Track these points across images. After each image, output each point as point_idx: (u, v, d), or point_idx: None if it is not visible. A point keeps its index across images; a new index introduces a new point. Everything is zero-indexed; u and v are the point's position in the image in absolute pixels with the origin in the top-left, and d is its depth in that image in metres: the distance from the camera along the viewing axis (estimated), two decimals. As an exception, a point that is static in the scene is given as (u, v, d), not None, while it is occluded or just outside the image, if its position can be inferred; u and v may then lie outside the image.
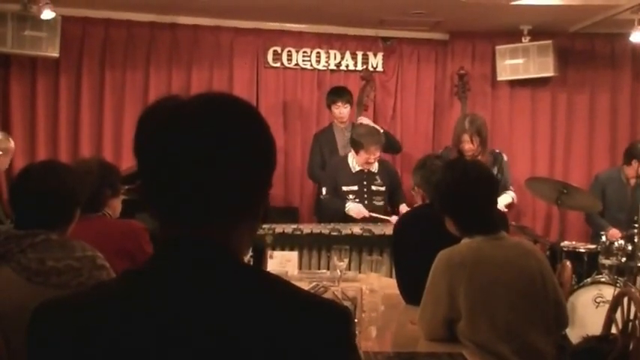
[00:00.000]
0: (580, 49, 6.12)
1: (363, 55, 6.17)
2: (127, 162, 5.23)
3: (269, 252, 3.71)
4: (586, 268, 4.78)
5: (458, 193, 2.54)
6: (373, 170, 4.90)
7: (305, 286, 2.95)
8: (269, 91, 6.11)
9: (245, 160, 1.06)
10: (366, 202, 4.85)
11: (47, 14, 5.05)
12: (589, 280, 4.58)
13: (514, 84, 6.14)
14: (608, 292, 4.21)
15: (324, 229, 4.49)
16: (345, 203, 4.83)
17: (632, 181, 5.15)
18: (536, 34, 5.85)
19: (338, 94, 5.44)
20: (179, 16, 5.87)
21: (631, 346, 2.84)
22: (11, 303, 2.06)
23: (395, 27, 6.03)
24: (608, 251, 4.59)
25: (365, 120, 5.40)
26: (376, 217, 4.75)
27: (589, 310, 4.41)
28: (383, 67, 6.19)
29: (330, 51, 6.14)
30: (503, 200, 4.97)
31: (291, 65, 6.12)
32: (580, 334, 3.69)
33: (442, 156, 3.64)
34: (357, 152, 4.82)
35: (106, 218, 2.98)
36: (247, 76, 6.06)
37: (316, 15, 5.78)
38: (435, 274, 2.49)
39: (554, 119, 6.18)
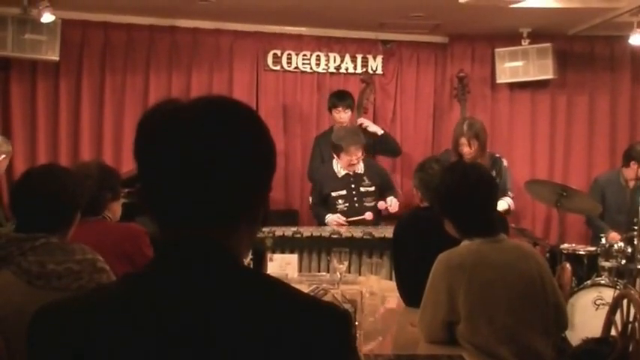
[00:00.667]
0: (579, 51, 6.13)
1: (362, 58, 6.18)
2: (127, 165, 5.24)
3: (269, 255, 3.71)
4: (586, 270, 4.78)
5: (457, 196, 2.54)
6: (359, 172, 4.88)
7: (305, 288, 2.95)
8: (269, 94, 6.12)
9: (245, 163, 1.06)
10: (356, 204, 4.85)
11: (47, 18, 5.06)
12: (589, 282, 4.58)
13: (513, 87, 6.14)
14: (608, 295, 4.21)
15: (324, 231, 4.50)
16: (327, 214, 4.82)
17: (632, 184, 5.15)
18: (535, 37, 5.86)
19: (339, 98, 5.44)
20: (179, 19, 5.88)
21: (630, 348, 2.84)
22: (11, 306, 2.06)
23: (394, 30, 6.04)
24: (608, 253, 4.59)
25: (365, 122, 5.41)
26: (353, 220, 4.74)
27: (589, 313, 4.40)
28: (382, 70, 6.20)
29: (330, 54, 6.15)
30: (499, 207, 4.96)
31: (290, 68, 6.12)
32: (580, 336, 3.70)
33: (441, 159, 3.64)
34: (338, 156, 4.82)
35: (106, 221, 2.99)
36: (247, 79, 6.07)
37: (316, 18, 5.79)
38: (435, 277, 2.50)
39: (553, 122, 6.18)
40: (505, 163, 5.18)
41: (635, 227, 4.50)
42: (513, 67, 5.95)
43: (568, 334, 4.06)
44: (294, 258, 3.80)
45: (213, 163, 1.03)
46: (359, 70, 6.14)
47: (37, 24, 5.18)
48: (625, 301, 2.96)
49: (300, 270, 3.95)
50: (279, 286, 1.08)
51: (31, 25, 5.21)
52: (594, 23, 5.45)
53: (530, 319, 2.44)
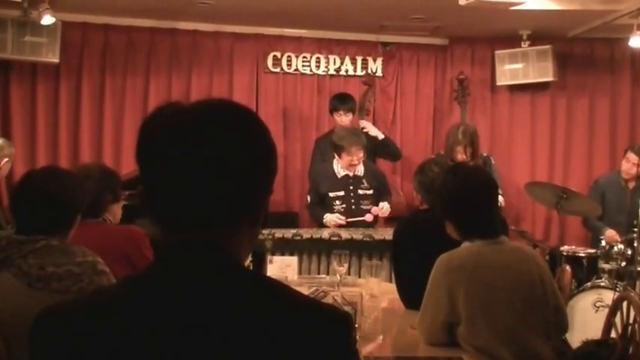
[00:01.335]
0: (579, 53, 6.14)
1: (362, 60, 6.19)
2: (127, 167, 5.24)
3: (269, 257, 3.71)
4: (585, 272, 4.78)
5: (459, 198, 2.55)
6: (359, 174, 4.87)
7: (305, 290, 2.95)
8: (269, 97, 6.12)
9: (246, 165, 1.06)
10: (353, 206, 4.83)
11: (47, 20, 5.07)
12: (588, 284, 4.58)
13: (513, 89, 6.15)
14: (608, 297, 4.21)
15: (324, 234, 4.49)
16: (325, 214, 4.82)
17: (631, 185, 5.16)
18: (535, 39, 5.87)
19: (341, 101, 5.43)
20: (179, 21, 5.89)
21: (630, 351, 2.84)
22: (11, 308, 2.07)
23: (394, 32, 6.05)
24: (608, 255, 4.59)
25: (366, 124, 5.41)
26: (353, 221, 4.74)
27: (589, 315, 4.40)
28: (382, 72, 6.21)
29: (330, 56, 6.15)
30: None
31: (290, 70, 6.13)
32: (580, 338, 3.70)
33: (440, 161, 3.64)
34: (339, 156, 4.80)
35: (107, 224, 2.99)
36: (247, 81, 6.07)
37: (316, 20, 5.80)
38: (435, 278, 2.50)
39: (553, 124, 6.19)
40: (493, 161, 5.21)
41: (635, 229, 4.50)
42: (513, 69, 5.96)
43: (568, 336, 4.06)
44: (293, 260, 3.79)
45: (214, 165, 1.03)
46: (359, 72, 6.15)
47: (37, 26, 5.19)
48: (625, 304, 2.96)
49: (299, 272, 3.94)
50: (280, 288, 1.08)
51: (31, 27, 5.22)
52: (594, 25, 5.45)
53: (530, 321, 2.44)
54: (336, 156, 4.86)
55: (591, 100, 6.17)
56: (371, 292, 2.92)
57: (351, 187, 4.86)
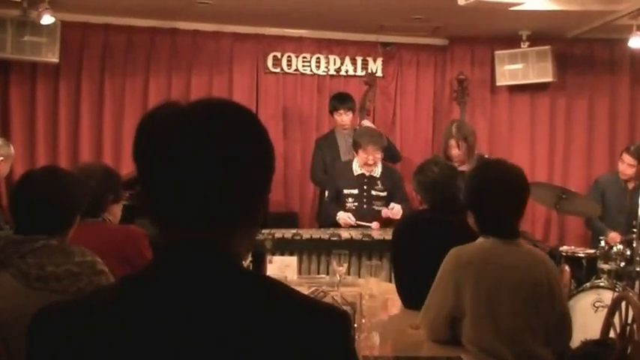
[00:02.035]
0: (579, 54, 6.14)
1: (362, 60, 6.20)
2: (127, 167, 5.24)
3: (268, 257, 3.71)
4: (585, 272, 4.79)
5: (486, 192, 2.51)
6: (375, 175, 4.88)
7: (304, 290, 2.95)
8: (269, 97, 6.13)
9: (244, 165, 1.06)
10: (365, 206, 4.84)
11: (47, 19, 5.07)
12: (588, 284, 4.58)
13: (513, 89, 6.16)
14: (607, 297, 4.21)
15: (324, 234, 4.50)
16: (339, 211, 4.83)
17: (631, 185, 5.17)
18: (535, 40, 5.88)
19: (340, 100, 5.44)
20: (179, 21, 5.89)
21: (629, 350, 2.84)
22: (11, 308, 2.06)
23: (394, 32, 6.05)
24: (607, 256, 4.60)
25: (368, 124, 5.42)
26: (360, 225, 4.74)
27: (588, 315, 4.41)
28: (382, 73, 6.22)
29: (330, 56, 6.16)
30: None
31: (290, 70, 6.14)
32: (579, 338, 3.69)
33: (440, 162, 3.65)
34: (356, 152, 4.82)
35: (106, 224, 2.99)
36: (247, 81, 6.08)
37: (316, 20, 5.80)
38: (443, 272, 2.51)
39: (553, 124, 6.20)
40: None
41: (634, 229, 4.50)
42: (513, 69, 5.97)
43: (568, 336, 4.07)
44: (293, 260, 3.79)
45: (212, 165, 1.03)
46: (359, 72, 6.16)
47: (36, 26, 5.19)
48: (623, 304, 2.97)
49: (299, 272, 3.95)
50: (279, 287, 1.08)
51: (31, 27, 5.23)
52: (594, 26, 5.46)
53: (532, 323, 2.43)
54: (354, 153, 4.88)
55: (591, 100, 6.18)
56: (370, 292, 2.92)
57: (365, 187, 4.87)
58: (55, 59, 5.41)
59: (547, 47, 5.86)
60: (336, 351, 1.04)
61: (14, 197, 2.30)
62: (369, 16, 5.51)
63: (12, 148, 5.02)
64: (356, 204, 4.85)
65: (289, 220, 5.66)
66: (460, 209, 3.34)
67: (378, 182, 4.88)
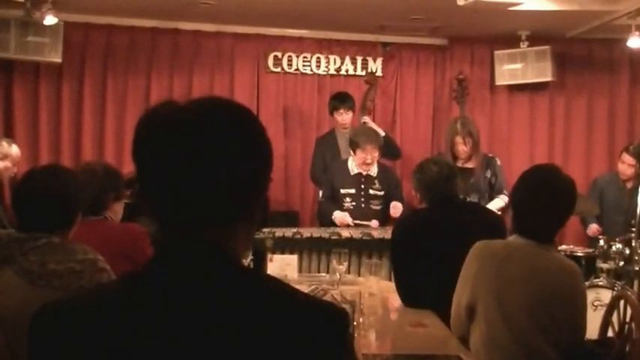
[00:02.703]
0: (578, 54, 6.15)
1: (362, 60, 6.21)
2: (129, 166, 5.22)
3: (269, 255, 3.73)
4: (584, 272, 4.78)
5: (529, 193, 2.51)
6: (372, 174, 4.89)
7: (304, 289, 2.96)
8: (269, 96, 6.14)
9: (242, 163, 1.06)
10: (362, 205, 4.86)
11: (50, 20, 5.09)
12: (587, 283, 4.58)
13: (512, 89, 6.17)
14: (606, 296, 4.23)
15: (324, 232, 4.51)
16: (336, 210, 4.84)
17: (629, 185, 5.18)
18: (534, 40, 5.88)
19: (341, 100, 5.46)
20: (180, 21, 5.91)
21: (627, 349, 2.85)
22: (13, 305, 2.08)
23: (394, 32, 6.06)
24: (606, 255, 4.61)
25: (367, 120, 5.43)
26: (359, 224, 4.76)
27: (587, 314, 4.42)
28: (382, 72, 6.23)
29: (330, 56, 6.17)
30: (496, 204, 5.01)
31: (291, 70, 6.15)
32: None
33: (439, 161, 3.67)
34: (354, 152, 4.83)
35: (108, 222, 3.00)
36: (248, 81, 6.10)
37: (316, 20, 5.82)
38: (467, 262, 2.54)
39: (552, 124, 6.21)
40: (499, 162, 5.22)
41: (633, 229, 4.51)
42: (512, 69, 5.98)
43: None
44: (293, 259, 3.81)
45: (210, 163, 1.04)
46: (359, 72, 6.17)
47: (39, 26, 5.21)
48: (622, 302, 2.98)
49: (299, 271, 3.95)
50: (278, 285, 1.09)
51: (34, 27, 5.24)
52: (593, 26, 5.46)
53: (547, 326, 2.44)
54: (351, 153, 4.89)
55: (590, 100, 6.18)
56: (370, 290, 2.94)
57: (363, 186, 4.88)
58: (58, 59, 5.43)
59: (546, 47, 5.87)
60: (335, 349, 1.04)
61: (17, 195, 2.31)
62: (369, 16, 5.53)
63: (14, 147, 5.02)
64: (354, 203, 4.86)
65: (290, 218, 5.68)
66: (459, 208, 3.38)
67: (375, 181, 4.89)
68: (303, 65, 6.15)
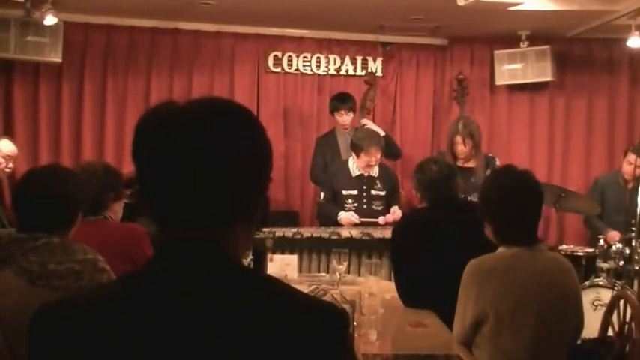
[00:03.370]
0: (577, 54, 6.15)
1: (362, 60, 6.21)
2: (129, 166, 5.22)
3: (269, 255, 3.73)
4: (584, 271, 4.80)
5: (504, 202, 2.51)
6: (374, 175, 4.90)
7: (304, 289, 2.97)
8: (269, 96, 6.14)
9: (242, 163, 1.07)
10: (364, 206, 4.87)
11: (50, 20, 5.10)
12: (587, 283, 4.59)
13: (512, 89, 6.17)
14: (606, 296, 4.23)
15: (324, 232, 4.51)
16: (339, 211, 4.84)
17: (630, 185, 5.18)
18: (534, 40, 5.89)
19: (341, 100, 5.46)
20: (180, 21, 5.91)
21: (627, 348, 2.86)
22: (13, 305, 2.08)
23: (394, 32, 6.06)
24: (606, 255, 4.61)
25: (368, 122, 5.44)
26: (365, 222, 4.77)
27: (587, 313, 4.35)
28: (382, 72, 6.23)
29: (330, 56, 6.17)
30: None
31: (291, 70, 6.15)
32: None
33: (439, 160, 3.67)
34: (357, 155, 4.83)
35: (108, 222, 3.00)
36: (248, 81, 6.10)
37: (316, 20, 5.82)
38: (465, 282, 2.51)
39: (552, 124, 6.21)
40: (498, 162, 5.22)
41: (633, 228, 4.52)
42: (512, 69, 5.98)
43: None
44: (293, 258, 3.81)
45: (209, 163, 1.04)
46: (359, 72, 6.17)
47: (39, 26, 5.21)
48: (622, 302, 2.98)
49: (299, 270, 3.95)
50: (278, 285, 1.09)
51: (34, 27, 5.25)
52: (592, 26, 5.47)
53: (558, 333, 2.44)
54: (353, 155, 4.89)
55: (589, 100, 6.19)
56: (370, 290, 2.94)
57: (365, 187, 4.89)
58: (58, 59, 5.43)
59: (546, 47, 5.87)
60: (335, 348, 1.04)
61: (17, 195, 2.31)
62: (369, 16, 5.53)
63: (5, 143, 5.00)
64: (356, 205, 4.87)
65: (290, 218, 5.69)
66: (460, 208, 3.38)
67: (377, 182, 4.90)
68: (303, 65, 6.16)
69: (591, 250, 4.88)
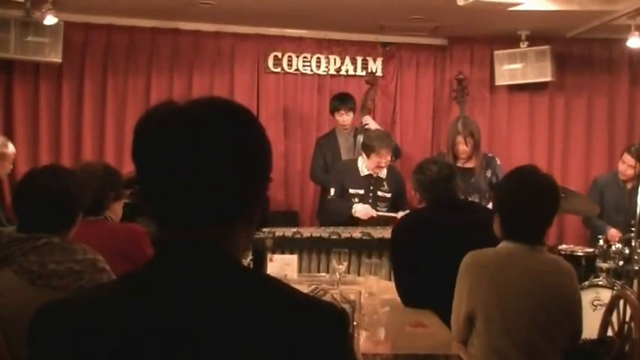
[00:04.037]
0: (577, 54, 6.16)
1: (362, 60, 6.22)
2: (129, 166, 5.22)
3: (269, 255, 3.74)
4: (584, 271, 4.80)
5: (513, 197, 2.51)
6: (382, 176, 4.92)
7: (304, 289, 2.97)
8: (269, 97, 6.15)
9: (241, 163, 1.07)
10: (370, 206, 4.89)
11: (50, 20, 5.10)
12: (586, 283, 4.59)
13: (512, 89, 6.17)
14: (606, 296, 4.23)
15: (324, 232, 4.52)
16: (351, 205, 4.87)
17: (629, 185, 5.18)
18: (534, 40, 5.89)
19: (342, 101, 5.47)
20: (180, 21, 5.91)
21: (627, 348, 2.86)
22: (13, 305, 2.08)
23: (394, 32, 6.07)
24: (606, 255, 4.61)
25: (369, 120, 5.44)
26: (383, 216, 4.79)
27: (586, 313, 4.34)
28: (382, 72, 6.23)
29: (330, 56, 6.18)
30: None
31: (291, 70, 6.16)
32: (577, 337, 3.71)
33: (439, 161, 3.67)
34: (368, 156, 4.85)
35: (108, 222, 3.00)
36: (248, 81, 6.10)
37: (316, 20, 5.82)
38: (460, 274, 2.53)
39: (551, 124, 6.21)
40: (498, 161, 5.23)
41: (633, 229, 4.52)
42: (512, 69, 5.98)
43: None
44: (293, 258, 3.81)
45: (209, 163, 1.04)
46: (359, 72, 6.18)
47: (39, 26, 5.22)
48: (622, 302, 2.98)
49: (299, 270, 3.96)
50: (278, 285, 1.09)
51: (34, 27, 5.25)
52: (592, 26, 5.47)
53: (551, 334, 2.43)
54: (363, 155, 4.91)
55: (589, 100, 6.19)
56: (370, 290, 2.94)
57: (372, 188, 4.91)
58: (58, 59, 5.44)
59: (546, 47, 5.87)
60: (334, 348, 1.04)
61: (17, 195, 2.32)
62: (369, 16, 5.53)
63: (10, 146, 5.01)
64: (361, 204, 4.89)
65: (290, 218, 5.69)
66: (459, 208, 3.38)
67: (384, 183, 4.92)
68: (303, 65, 6.16)
69: (591, 250, 4.88)
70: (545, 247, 2.58)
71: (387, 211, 4.91)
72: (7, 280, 2.14)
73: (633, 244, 4.50)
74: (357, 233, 4.46)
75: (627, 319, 2.87)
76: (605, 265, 4.60)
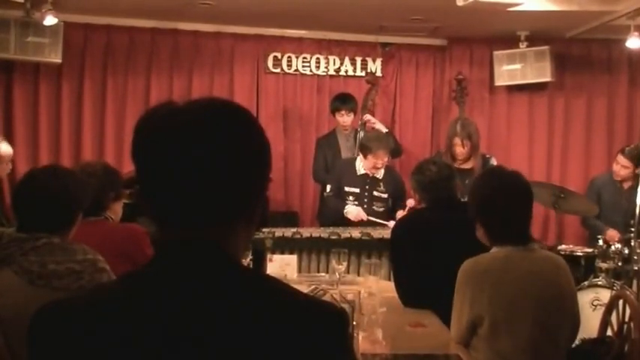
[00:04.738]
0: (577, 54, 6.16)
1: (362, 60, 6.22)
2: (129, 166, 5.22)
3: (269, 255, 3.74)
4: (583, 271, 4.80)
5: (491, 202, 2.52)
6: (378, 176, 4.92)
7: (304, 289, 2.98)
8: (269, 97, 6.15)
9: (241, 163, 1.07)
10: (365, 206, 4.88)
11: (50, 20, 5.10)
12: (586, 283, 4.60)
13: (512, 89, 6.17)
14: (605, 296, 4.23)
15: (324, 232, 4.52)
16: (345, 205, 4.87)
17: (626, 185, 5.19)
18: (533, 40, 5.89)
19: (342, 101, 5.47)
20: (180, 22, 5.91)
21: (626, 348, 2.86)
22: (13, 305, 2.08)
23: (394, 33, 6.07)
24: (605, 255, 4.61)
25: (370, 119, 5.44)
26: (374, 221, 4.78)
27: (586, 314, 4.40)
28: (382, 73, 6.23)
29: (330, 57, 6.18)
30: None
31: (291, 71, 6.16)
32: (577, 336, 3.72)
33: (438, 161, 3.68)
34: (365, 156, 4.85)
35: (108, 222, 3.01)
36: (247, 81, 6.10)
37: (316, 21, 5.82)
38: (459, 283, 2.51)
39: (551, 124, 6.22)
40: (495, 161, 5.23)
41: (632, 229, 4.52)
42: (511, 69, 5.98)
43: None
44: (293, 259, 3.81)
45: (209, 164, 1.04)
46: (359, 72, 6.18)
47: (39, 27, 5.22)
48: (621, 302, 2.99)
49: (299, 270, 3.96)
50: (277, 285, 1.09)
51: (34, 27, 5.25)
52: (592, 26, 5.47)
53: (555, 333, 2.44)
54: (360, 155, 4.91)
55: (589, 100, 6.19)
56: (369, 290, 2.94)
57: (367, 187, 4.91)
58: (58, 59, 5.44)
59: (545, 47, 5.88)
60: (334, 348, 1.05)
61: (17, 196, 2.32)
62: (368, 17, 5.53)
63: (4, 146, 4.99)
64: (356, 203, 4.88)
65: (289, 218, 5.69)
66: (459, 208, 3.38)
67: (381, 184, 4.92)
68: (303, 66, 6.16)
69: (590, 250, 4.89)
70: (536, 244, 2.59)
71: (384, 212, 4.90)
72: (7, 280, 2.15)
73: (632, 244, 4.50)
74: (356, 233, 4.46)
75: (627, 319, 2.88)
76: (604, 265, 4.60)
